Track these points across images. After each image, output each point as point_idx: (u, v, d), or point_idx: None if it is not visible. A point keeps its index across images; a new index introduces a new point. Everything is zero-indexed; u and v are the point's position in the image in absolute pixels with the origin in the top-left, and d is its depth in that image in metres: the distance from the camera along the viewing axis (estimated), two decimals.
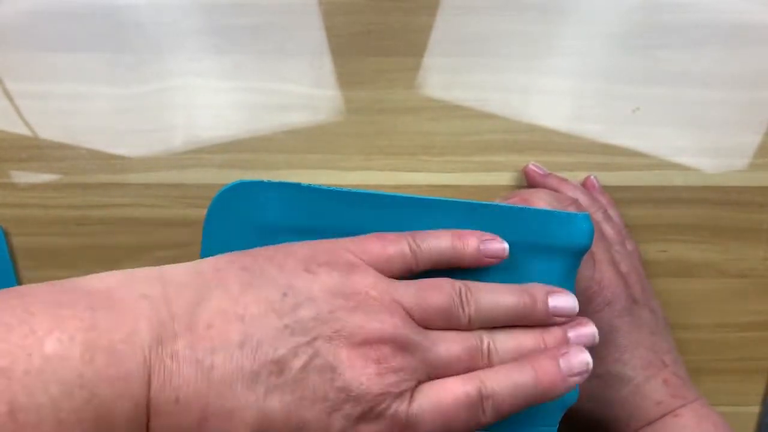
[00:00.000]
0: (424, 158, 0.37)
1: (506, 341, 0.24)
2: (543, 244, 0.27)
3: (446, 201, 0.26)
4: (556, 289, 0.26)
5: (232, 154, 0.36)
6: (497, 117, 0.37)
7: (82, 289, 0.20)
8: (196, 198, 0.37)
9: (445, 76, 0.36)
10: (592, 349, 0.31)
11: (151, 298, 0.20)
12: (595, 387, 0.32)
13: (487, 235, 0.26)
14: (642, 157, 0.37)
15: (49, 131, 0.36)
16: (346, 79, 0.36)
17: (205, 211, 0.37)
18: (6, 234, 0.37)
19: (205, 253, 0.27)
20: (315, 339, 0.21)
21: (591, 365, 0.24)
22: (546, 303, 0.25)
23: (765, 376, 0.41)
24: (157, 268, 0.22)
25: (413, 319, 0.23)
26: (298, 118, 0.36)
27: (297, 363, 0.21)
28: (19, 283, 0.38)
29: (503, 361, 0.24)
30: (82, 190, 0.37)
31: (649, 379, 0.31)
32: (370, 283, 0.23)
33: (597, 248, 0.33)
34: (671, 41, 0.36)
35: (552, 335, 0.25)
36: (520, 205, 0.27)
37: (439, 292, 0.24)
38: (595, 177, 0.37)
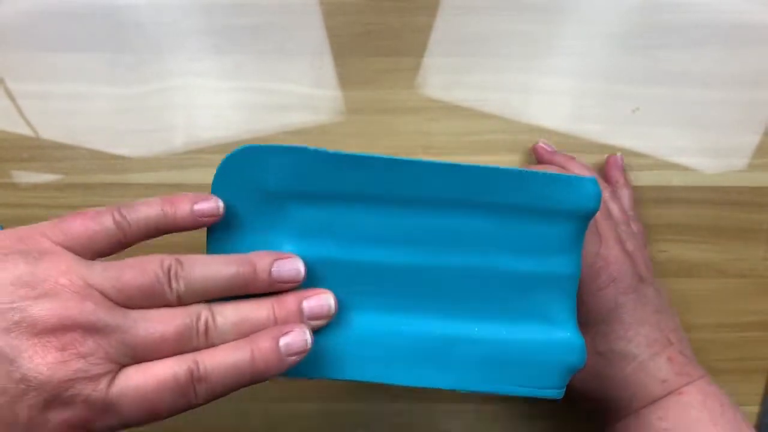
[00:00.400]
0: (424, 158, 0.37)
1: (229, 315, 0.24)
2: (549, 208, 0.26)
3: (452, 164, 0.26)
4: (282, 254, 0.25)
5: None
6: (497, 117, 0.37)
7: None
8: None
9: (445, 76, 0.36)
10: (596, 324, 0.31)
11: None
12: (598, 365, 0.32)
13: (201, 196, 0.25)
14: (642, 157, 0.37)
15: (50, 131, 0.36)
16: (346, 79, 0.36)
17: None
18: None
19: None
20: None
21: (310, 343, 0.24)
22: (268, 271, 0.25)
23: (765, 376, 0.41)
24: None
25: (112, 301, 0.22)
26: (298, 118, 0.36)
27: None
28: None
29: (224, 337, 0.23)
30: (82, 190, 0.37)
31: (653, 356, 0.31)
32: (61, 269, 0.22)
33: (603, 226, 0.33)
34: (671, 41, 0.36)
35: (283, 305, 0.25)
36: (527, 169, 0.26)
37: (140, 270, 0.23)
38: (621, 156, 0.37)
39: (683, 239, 0.39)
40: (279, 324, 0.24)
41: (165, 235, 0.37)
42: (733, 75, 0.37)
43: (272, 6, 0.35)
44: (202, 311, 0.23)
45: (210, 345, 0.23)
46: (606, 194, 0.35)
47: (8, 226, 0.37)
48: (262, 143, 0.26)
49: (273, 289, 0.25)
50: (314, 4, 0.35)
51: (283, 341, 0.24)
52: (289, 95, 0.36)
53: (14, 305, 0.21)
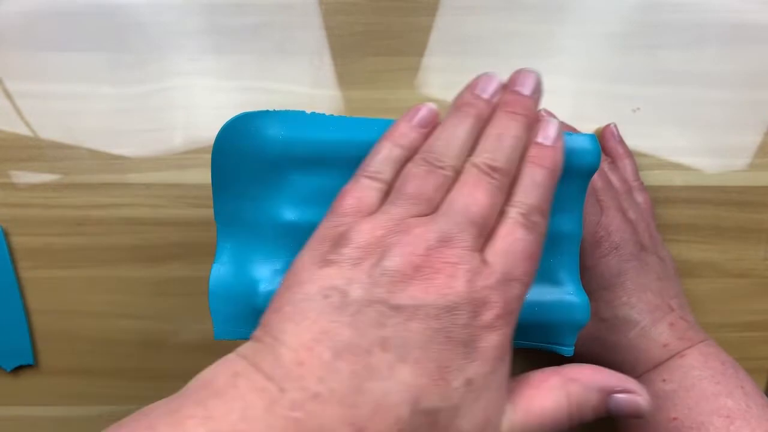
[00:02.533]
0: None
1: (494, 147, 0.24)
2: None
3: None
4: (471, 84, 0.26)
5: None
6: None
7: (186, 391, 0.21)
8: (196, 198, 0.37)
9: (445, 76, 0.36)
10: (599, 291, 0.32)
11: (242, 372, 0.20)
12: (601, 331, 0.33)
13: (410, 112, 0.26)
14: (642, 157, 0.37)
15: (50, 131, 0.36)
16: (346, 79, 0.36)
17: (205, 211, 0.37)
18: (6, 234, 0.37)
19: (216, 188, 0.27)
20: (383, 302, 0.21)
21: (559, 123, 0.25)
22: (480, 97, 0.25)
23: (765, 376, 0.41)
24: (227, 355, 0.22)
25: (424, 215, 0.23)
26: None
27: (389, 330, 0.20)
28: (19, 283, 0.38)
29: (512, 160, 0.24)
30: (82, 190, 0.37)
31: (655, 322, 0.32)
32: (369, 229, 0.22)
33: (604, 195, 0.33)
34: (671, 41, 0.36)
35: (517, 105, 0.25)
36: None
37: (413, 179, 0.23)
38: (614, 125, 0.37)
39: (684, 239, 0.39)
40: (522, 118, 0.25)
41: (157, 235, 0.37)
42: (734, 75, 0.37)
43: (272, 6, 0.35)
44: (477, 161, 0.24)
45: (506, 175, 0.24)
46: (605, 165, 0.36)
47: (7, 226, 0.37)
48: None
49: (494, 107, 0.25)
50: (314, 3, 0.35)
51: (543, 138, 0.25)
52: (289, 95, 0.36)
53: (373, 274, 0.21)
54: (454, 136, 0.24)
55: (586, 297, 0.28)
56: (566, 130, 0.36)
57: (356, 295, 0.21)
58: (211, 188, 0.27)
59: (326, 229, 0.23)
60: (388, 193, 0.24)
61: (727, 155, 0.38)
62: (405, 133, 0.25)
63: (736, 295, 0.39)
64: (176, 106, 0.36)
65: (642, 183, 0.37)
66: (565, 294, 0.28)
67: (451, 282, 0.21)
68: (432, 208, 0.23)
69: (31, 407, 0.40)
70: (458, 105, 0.25)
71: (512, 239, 0.22)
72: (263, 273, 0.27)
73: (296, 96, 0.36)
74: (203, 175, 0.36)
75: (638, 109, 0.37)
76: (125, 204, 0.37)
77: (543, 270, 0.28)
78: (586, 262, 0.33)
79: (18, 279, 0.38)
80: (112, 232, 0.37)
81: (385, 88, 0.36)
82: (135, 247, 0.37)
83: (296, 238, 0.27)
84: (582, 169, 0.27)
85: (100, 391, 0.40)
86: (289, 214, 0.27)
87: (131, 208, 0.37)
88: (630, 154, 0.37)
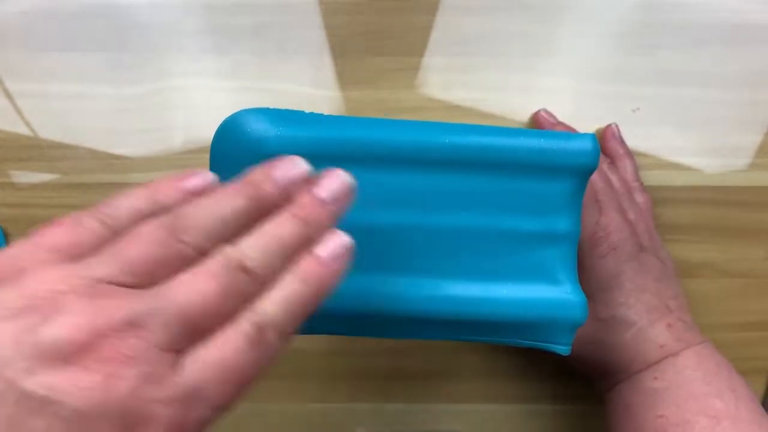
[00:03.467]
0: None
1: (258, 245, 0.20)
2: (548, 165, 0.27)
3: (447, 124, 0.27)
4: (272, 162, 0.22)
5: None
6: (497, 117, 0.37)
7: None
8: None
9: (445, 76, 0.36)
10: (597, 291, 0.32)
11: None
12: (599, 331, 0.33)
13: (186, 173, 0.22)
14: (642, 157, 0.37)
15: (49, 131, 0.36)
16: (345, 79, 0.36)
17: None
18: (6, 234, 0.37)
19: None
20: (11, 382, 0.16)
21: (348, 243, 0.21)
22: (271, 181, 0.21)
23: (765, 376, 0.41)
24: None
25: (130, 286, 0.18)
26: None
27: (1, 423, 0.16)
28: None
29: (270, 266, 0.20)
30: (81, 190, 0.37)
31: (652, 323, 0.32)
32: (53, 278, 0.18)
33: (604, 196, 0.33)
34: (671, 41, 0.36)
35: (306, 207, 0.21)
36: (524, 128, 0.27)
37: (140, 241, 0.19)
38: (615, 126, 0.37)
39: (684, 239, 0.39)
40: (308, 228, 0.21)
41: None
42: (734, 75, 0.37)
43: (272, 6, 0.35)
44: (229, 252, 0.19)
45: (256, 281, 0.20)
46: (604, 165, 0.36)
47: (7, 226, 0.37)
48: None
49: (285, 198, 0.21)
50: (314, 3, 0.35)
51: (322, 251, 0.21)
52: (289, 95, 0.36)
53: (23, 341, 0.16)
54: (217, 211, 0.20)
55: (584, 296, 0.28)
56: (566, 130, 0.36)
57: None
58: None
59: (6, 257, 0.18)
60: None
61: (727, 155, 0.38)
62: (170, 190, 0.21)
63: (736, 295, 0.39)
64: (176, 106, 0.36)
65: (642, 183, 0.37)
66: (562, 293, 0.28)
67: (112, 381, 0.17)
68: (146, 285, 0.18)
69: None
70: (245, 180, 0.21)
71: (226, 351, 0.18)
72: None
73: (296, 96, 0.36)
74: None
75: (638, 109, 0.37)
76: None
77: (541, 269, 0.28)
78: (584, 263, 0.33)
79: None
80: None
81: (385, 88, 0.36)
82: None
83: None
84: (580, 168, 0.27)
85: None
86: None
87: None
88: (630, 154, 0.37)
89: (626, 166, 0.36)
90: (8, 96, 0.36)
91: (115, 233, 0.19)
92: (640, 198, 0.36)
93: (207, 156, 0.27)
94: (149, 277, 0.18)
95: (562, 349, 0.29)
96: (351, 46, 0.36)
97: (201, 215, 0.20)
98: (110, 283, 0.18)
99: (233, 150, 0.26)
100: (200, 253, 0.19)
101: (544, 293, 0.28)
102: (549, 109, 0.36)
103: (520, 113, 0.37)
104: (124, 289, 0.18)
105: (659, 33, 0.36)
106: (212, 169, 0.27)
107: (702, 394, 0.30)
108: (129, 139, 0.36)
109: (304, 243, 0.21)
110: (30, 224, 0.37)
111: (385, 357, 0.40)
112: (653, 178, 0.38)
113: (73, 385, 0.16)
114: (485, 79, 0.36)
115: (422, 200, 0.27)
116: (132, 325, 0.17)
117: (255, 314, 0.19)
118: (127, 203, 0.20)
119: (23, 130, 0.36)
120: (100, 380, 0.16)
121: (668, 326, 0.32)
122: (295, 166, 0.22)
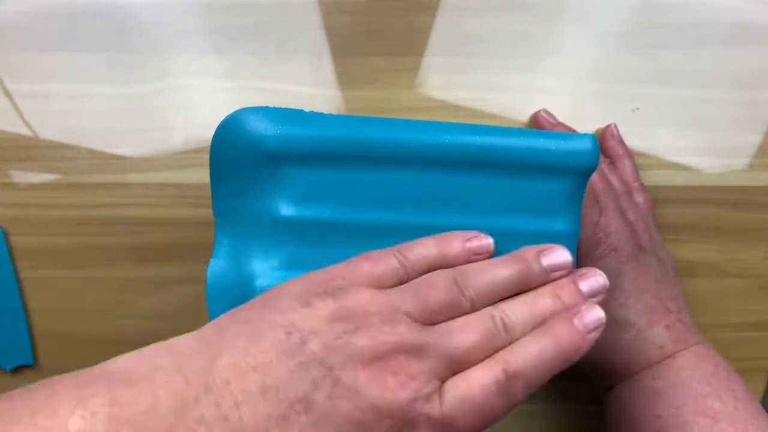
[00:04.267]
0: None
1: (517, 309, 0.24)
2: (547, 165, 0.27)
3: (447, 124, 0.27)
4: (544, 246, 0.26)
5: None
6: (497, 117, 0.37)
7: (101, 370, 0.21)
8: (196, 198, 0.37)
9: (445, 76, 0.36)
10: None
11: (165, 368, 0.20)
12: None
13: (469, 234, 0.26)
14: (642, 157, 0.37)
15: (49, 131, 0.36)
16: (346, 79, 0.36)
17: (205, 211, 0.37)
18: (6, 234, 0.37)
19: (214, 183, 0.27)
20: (330, 368, 0.21)
21: (604, 318, 0.24)
22: (540, 262, 0.25)
23: (765, 376, 0.41)
24: (165, 341, 0.22)
25: (418, 322, 0.23)
26: None
27: (320, 396, 0.21)
28: (18, 283, 0.38)
29: (523, 330, 0.24)
30: (82, 190, 0.37)
31: (651, 324, 0.32)
32: (365, 300, 0.23)
33: (603, 196, 0.34)
34: (671, 41, 0.36)
35: (565, 291, 0.25)
36: (523, 128, 0.27)
37: (434, 288, 0.24)
38: (615, 126, 0.37)
39: (684, 239, 0.39)
40: (563, 306, 0.24)
41: (157, 235, 0.37)
42: (733, 75, 0.37)
43: (272, 6, 0.35)
44: (494, 312, 0.24)
45: (511, 340, 0.23)
46: (603, 166, 0.36)
47: (7, 226, 0.37)
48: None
49: (548, 279, 0.25)
50: (314, 3, 0.35)
51: (578, 320, 0.24)
52: (289, 95, 0.36)
53: (340, 340, 0.21)
54: (492, 276, 0.24)
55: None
56: (566, 130, 0.36)
57: (312, 348, 0.21)
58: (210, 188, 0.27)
59: (332, 275, 0.24)
60: (402, 282, 0.24)
61: (727, 155, 0.38)
62: (456, 248, 0.25)
63: (736, 295, 0.39)
64: (176, 106, 0.36)
65: (642, 184, 0.37)
66: None
67: (398, 390, 0.21)
68: (427, 321, 0.23)
69: None
70: (518, 254, 0.25)
71: (479, 391, 0.22)
72: (260, 268, 0.28)
73: (296, 96, 0.36)
74: (203, 175, 0.36)
75: (638, 109, 0.37)
76: (125, 204, 0.37)
77: None
78: (584, 263, 0.33)
79: (18, 279, 0.38)
80: (112, 232, 0.37)
81: (385, 88, 0.36)
82: (135, 247, 0.37)
83: (293, 233, 0.27)
84: (580, 168, 0.27)
85: None
86: (287, 209, 0.27)
87: (131, 208, 0.37)
88: (630, 155, 0.37)
89: (626, 166, 0.36)
90: (8, 96, 0.36)
91: (407, 273, 0.24)
92: (639, 198, 0.36)
93: (207, 156, 0.27)
94: (433, 315, 0.23)
95: None
96: (351, 46, 0.36)
97: (480, 276, 0.24)
98: (406, 314, 0.23)
99: (233, 148, 0.26)
100: (472, 306, 0.24)
101: None
102: (549, 109, 0.36)
103: (520, 113, 0.37)
104: (414, 323, 0.23)
105: (659, 33, 0.36)
106: (212, 167, 0.27)
107: (700, 394, 0.30)
108: (129, 139, 0.36)
109: (558, 313, 0.24)
110: (30, 224, 0.37)
111: None
112: (653, 178, 0.38)
113: (374, 383, 0.21)
114: (485, 79, 0.36)
115: (422, 199, 0.27)
116: (418, 352, 0.22)
117: (508, 364, 0.23)
118: (421, 251, 0.25)
119: (23, 130, 0.36)
120: (392, 385, 0.21)
121: (667, 327, 0.32)
122: (563, 255, 0.25)
